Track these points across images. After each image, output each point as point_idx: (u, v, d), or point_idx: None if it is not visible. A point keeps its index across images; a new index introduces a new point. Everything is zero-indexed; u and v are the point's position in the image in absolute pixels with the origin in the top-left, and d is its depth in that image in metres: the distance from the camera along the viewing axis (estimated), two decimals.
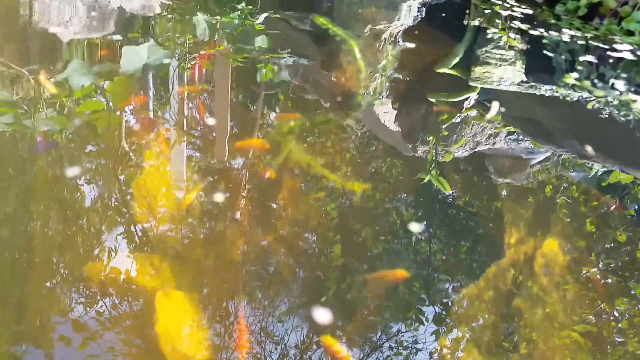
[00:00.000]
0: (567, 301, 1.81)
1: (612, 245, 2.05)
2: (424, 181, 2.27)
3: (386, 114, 2.92)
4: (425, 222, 2.15)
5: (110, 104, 2.72)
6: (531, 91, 3.04)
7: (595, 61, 3.59)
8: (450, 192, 2.26)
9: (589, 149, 2.38)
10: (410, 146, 2.65)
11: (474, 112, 2.81)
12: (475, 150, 2.52)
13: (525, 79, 3.15)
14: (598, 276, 1.90)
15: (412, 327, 1.67)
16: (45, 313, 1.64)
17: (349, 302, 1.75)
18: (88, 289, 1.70)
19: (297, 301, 1.73)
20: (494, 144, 2.53)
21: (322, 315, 1.68)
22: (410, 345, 1.64)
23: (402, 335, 1.65)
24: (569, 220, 2.17)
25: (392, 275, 1.85)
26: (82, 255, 1.86)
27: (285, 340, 1.59)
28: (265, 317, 1.66)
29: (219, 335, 1.59)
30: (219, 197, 2.18)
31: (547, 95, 3.01)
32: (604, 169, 2.37)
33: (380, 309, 1.73)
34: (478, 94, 3.02)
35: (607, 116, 2.73)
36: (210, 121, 2.87)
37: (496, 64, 3.39)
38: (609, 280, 1.91)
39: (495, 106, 2.85)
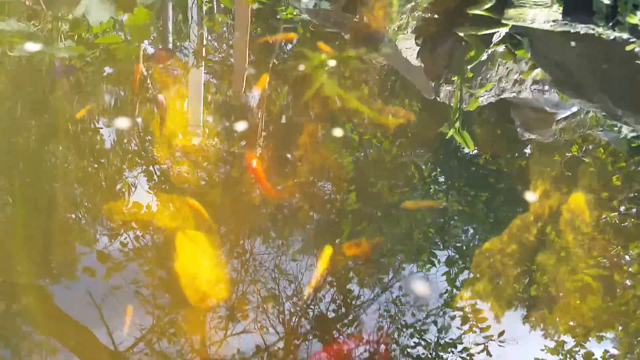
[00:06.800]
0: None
1: None
2: (447, 136, 2.21)
3: (409, 49, 2.81)
4: (444, 176, 2.13)
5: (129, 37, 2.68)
6: (566, 29, 2.87)
7: None
8: (474, 149, 2.20)
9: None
10: (432, 84, 2.57)
11: (501, 48, 2.68)
12: (501, 97, 2.44)
13: (560, 17, 2.96)
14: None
15: (424, 269, 1.71)
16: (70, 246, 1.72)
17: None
18: (110, 224, 1.76)
19: (313, 240, 1.78)
20: (519, 92, 2.44)
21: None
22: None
23: (414, 276, 1.69)
24: (596, 182, 2.12)
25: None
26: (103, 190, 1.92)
27: (299, 278, 1.64)
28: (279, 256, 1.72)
29: (236, 270, 1.66)
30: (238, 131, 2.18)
31: (581, 33, 2.83)
32: (634, 134, 2.27)
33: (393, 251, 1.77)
34: (509, 29, 2.88)
35: None
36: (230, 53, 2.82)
37: (531, 6, 3.19)
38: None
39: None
